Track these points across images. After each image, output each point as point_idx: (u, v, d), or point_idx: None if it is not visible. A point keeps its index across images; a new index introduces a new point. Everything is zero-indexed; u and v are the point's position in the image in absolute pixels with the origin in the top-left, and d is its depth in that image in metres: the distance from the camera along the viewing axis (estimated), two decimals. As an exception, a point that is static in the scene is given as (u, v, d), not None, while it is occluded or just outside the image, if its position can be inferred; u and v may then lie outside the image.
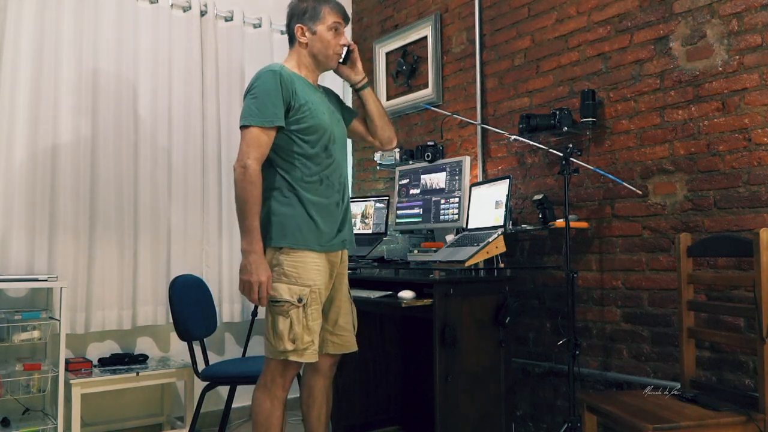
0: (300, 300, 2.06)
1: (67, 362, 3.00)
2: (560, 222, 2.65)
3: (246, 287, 2.01)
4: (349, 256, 2.86)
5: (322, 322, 2.21)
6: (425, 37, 3.71)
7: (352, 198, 2.45)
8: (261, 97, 2.06)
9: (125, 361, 3.23)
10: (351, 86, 2.37)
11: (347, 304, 2.31)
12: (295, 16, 2.21)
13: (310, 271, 2.10)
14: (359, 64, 2.33)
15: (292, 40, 2.24)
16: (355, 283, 2.91)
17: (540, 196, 2.74)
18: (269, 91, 2.06)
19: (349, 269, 3.13)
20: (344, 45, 2.23)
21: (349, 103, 3.71)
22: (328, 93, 2.35)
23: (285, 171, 2.12)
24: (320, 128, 2.14)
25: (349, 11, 4.38)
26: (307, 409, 2.36)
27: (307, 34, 2.19)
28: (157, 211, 3.42)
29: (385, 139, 2.41)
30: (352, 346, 2.32)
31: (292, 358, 2.06)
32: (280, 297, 2.06)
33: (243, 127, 2.08)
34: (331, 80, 4.11)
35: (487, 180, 3.06)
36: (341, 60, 2.27)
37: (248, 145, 2.04)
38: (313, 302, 2.10)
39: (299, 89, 2.12)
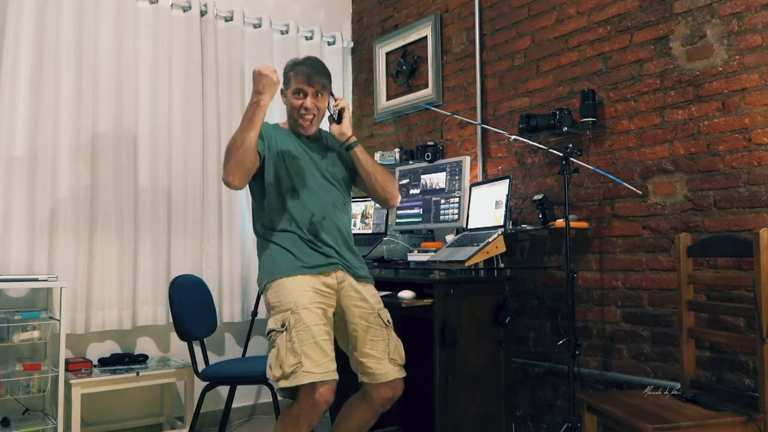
0: (283, 325, 2.05)
1: (67, 362, 3.00)
2: (560, 222, 2.65)
3: (257, 79, 2.10)
4: None
5: (350, 347, 2.25)
6: (425, 37, 3.71)
7: (352, 198, 2.47)
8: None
9: (125, 361, 3.23)
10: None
11: (371, 330, 2.22)
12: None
13: (290, 294, 2.10)
14: (346, 124, 2.30)
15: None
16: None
17: (540, 196, 2.74)
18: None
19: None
20: (305, 108, 2.25)
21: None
22: (322, 143, 2.39)
23: (257, 219, 2.29)
24: (277, 177, 2.24)
25: (349, 11, 4.38)
26: (336, 425, 2.35)
27: (282, 97, 2.33)
28: (157, 211, 3.42)
29: (380, 201, 2.40)
30: (385, 376, 2.19)
31: (283, 384, 2.01)
32: (268, 329, 2.10)
33: None
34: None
35: (487, 180, 3.06)
36: (336, 119, 2.30)
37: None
38: (298, 323, 2.04)
39: (277, 140, 2.28)
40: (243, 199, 3.73)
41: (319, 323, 2.08)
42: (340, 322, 2.26)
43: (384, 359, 2.20)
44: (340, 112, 2.29)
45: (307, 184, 2.26)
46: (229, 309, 3.60)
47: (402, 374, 2.24)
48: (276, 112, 3.35)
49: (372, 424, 2.29)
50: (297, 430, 2.07)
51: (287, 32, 3.98)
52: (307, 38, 4.08)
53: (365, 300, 2.25)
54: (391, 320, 2.30)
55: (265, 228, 2.25)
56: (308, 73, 2.24)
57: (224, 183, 2.15)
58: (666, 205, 2.53)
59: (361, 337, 2.22)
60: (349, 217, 2.39)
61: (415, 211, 3.30)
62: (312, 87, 2.24)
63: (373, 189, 2.34)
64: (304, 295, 2.10)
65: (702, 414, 1.93)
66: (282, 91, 2.30)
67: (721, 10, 2.38)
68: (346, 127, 2.29)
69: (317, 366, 2.01)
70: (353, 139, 2.30)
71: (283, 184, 2.24)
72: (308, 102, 2.24)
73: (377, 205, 3.43)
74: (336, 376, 2.05)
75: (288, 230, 2.21)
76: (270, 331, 2.08)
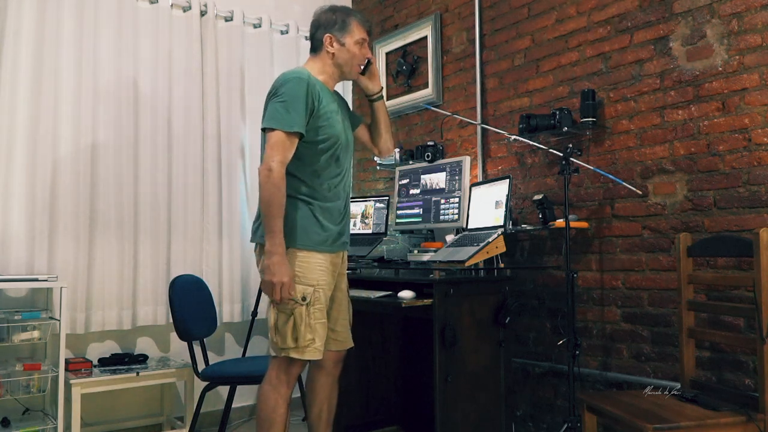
0: (304, 298, 2.12)
1: (67, 362, 3.00)
2: (560, 222, 2.65)
3: (268, 288, 2.06)
4: (349, 256, 2.92)
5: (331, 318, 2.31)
6: (425, 37, 3.71)
7: (352, 198, 2.52)
8: (288, 102, 2.09)
9: (125, 361, 3.23)
10: (366, 96, 2.45)
11: (346, 301, 2.39)
12: (323, 26, 2.29)
13: (315, 271, 2.16)
14: (377, 76, 2.41)
15: (316, 47, 2.32)
16: (355, 283, 2.91)
17: (540, 196, 2.74)
18: (297, 97, 2.10)
19: (348, 269, 3.15)
20: (368, 58, 2.32)
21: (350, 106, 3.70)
22: (341, 99, 2.41)
23: (296, 177, 2.17)
24: (335, 138, 2.21)
25: (349, 11, 4.38)
26: (309, 406, 2.41)
27: (335, 44, 2.27)
28: (157, 211, 3.42)
29: (386, 149, 2.51)
30: (349, 343, 2.39)
31: (294, 355, 2.12)
32: None
33: (268, 130, 2.10)
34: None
35: (487, 180, 3.06)
36: (361, 71, 2.34)
37: (273, 148, 2.07)
38: (317, 301, 2.15)
39: (324, 98, 2.19)
40: (243, 198, 3.73)
41: (326, 305, 2.21)
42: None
43: (348, 327, 2.39)
44: (368, 65, 2.34)
45: (348, 151, 2.31)
46: (229, 309, 3.60)
47: (352, 342, 2.43)
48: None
49: (336, 389, 2.40)
50: (283, 392, 2.16)
51: (287, 32, 3.98)
52: (307, 38, 4.04)
53: (345, 273, 2.40)
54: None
55: (306, 186, 2.18)
56: (369, 23, 2.32)
57: (260, 170, 2.07)
58: (666, 205, 2.53)
59: (343, 307, 2.37)
60: None
61: (415, 211, 3.30)
62: (368, 36, 2.32)
63: (385, 140, 2.47)
64: (324, 274, 2.19)
65: (702, 414, 1.93)
66: (334, 37, 2.26)
67: (721, 10, 2.38)
68: (378, 79, 2.39)
69: (322, 344, 2.17)
70: (383, 90, 2.45)
71: (337, 150, 2.22)
72: (369, 52, 2.33)
73: (377, 204, 3.44)
74: None
75: (329, 200, 2.21)
76: (288, 299, 2.10)
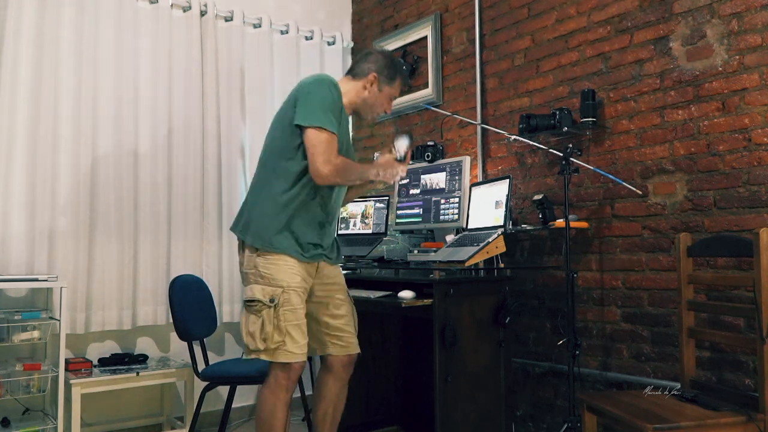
0: (272, 300, 2.12)
1: (67, 362, 3.00)
2: (560, 222, 2.65)
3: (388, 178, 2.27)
4: (350, 256, 2.93)
5: (317, 325, 2.32)
6: (425, 37, 3.71)
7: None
8: (329, 105, 2.15)
9: (125, 361, 3.23)
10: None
11: (345, 307, 2.38)
12: (376, 64, 2.34)
13: (284, 273, 2.16)
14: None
15: (357, 73, 2.35)
16: (355, 283, 2.92)
17: (540, 196, 2.74)
18: (334, 103, 2.17)
19: (349, 269, 3.15)
20: (386, 112, 2.45)
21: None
22: (347, 125, 2.44)
23: (284, 178, 2.18)
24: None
25: (349, 11, 4.39)
26: (314, 408, 2.42)
27: (375, 86, 2.33)
28: (157, 211, 3.42)
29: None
30: (354, 348, 2.39)
31: (264, 357, 2.13)
32: (253, 296, 2.15)
33: (316, 128, 2.10)
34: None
35: (487, 180, 3.06)
36: (401, 159, 2.34)
37: (328, 147, 2.11)
38: (286, 303, 2.14)
39: (342, 114, 2.26)
40: (243, 198, 3.72)
41: (302, 307, 2.19)
42: (314, 306, 2.35)
43: (353, 333, 2.39)
44: (406, 155, 2.38)
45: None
46: (229, 309, 3.60)
47: (359, 348, 2.44)
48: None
49: (344, 393, 2.41)
50: (282, 396, 2.17)
51: (287, 32, 3.98)
52: (307, 38, 4.08)
53: (337, 282, 2.39)
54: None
55: (292, 194, 2.19)
56: (406, 85, 2.46)
57: (320, 172, 2.10)
58: (666, 205, 2.53)
59: (341, 313, 2.37)
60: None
61: (415, 211, 3.30)
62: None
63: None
64: (294, 277, 2.17)
65: (702, 414, 1.93)
66: (378, 80, 2.32)
67: (721, 10, 2.38)
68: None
69: (298, 347, 2.15)
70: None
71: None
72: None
73: (377, 204, 3.44)
74: (306, 357, 2.21)
75: (309, 210, 2.22)
76: (254, 301, 2.13)
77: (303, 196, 2.18)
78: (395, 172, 2.26)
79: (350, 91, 2.31)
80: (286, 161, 2.18)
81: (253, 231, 2.19)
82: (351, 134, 2.51)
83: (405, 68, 2.39)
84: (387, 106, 2.39)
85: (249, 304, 2.16)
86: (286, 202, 2.17)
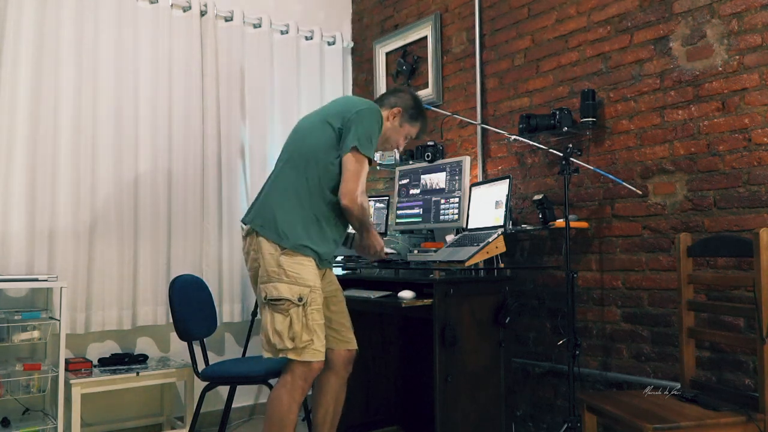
0: (300, 299, 2.16)
1: (67, 362, 3.00)
2: (560, 222, 2.64)
3: (374, 254, 2.40)
4: (350, 257, 2.96)
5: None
6: (425, 37, 3.71)
7: None
8: (375, 135, 2.27)
9: (125, 361, 3.23)
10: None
11: (342, 304, 2.48)
12: (404, 101, 2.46)
13: (310, 273, 2.21)
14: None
15: (383, 103, 2.48)
16: (355, 283, 2.92)
17: (540, 196, 2.74)
18: (376, 133, 2.29)
19: (348, 269, 3.16)
20: (398, 149, 2.56)
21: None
22: None
23: (326, 199, 2.27)
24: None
25: (349, 11, 4.38)
26: (315, 407, 2.44)
27: (396, 120, 2.45)
28: (157, 211, 3.42)
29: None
30: (353, 344, 2.46)
31: (291, 356, 2.15)
32: (280, 295, 2.15)
33: (365, 157, 2.21)
34: (331, 86, 4.07)
35: (487, 180, 3.06)
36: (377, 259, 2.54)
37: (360, 176, 2.19)
38: (313, 302, 2.19)
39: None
40: (243, 199, 3.73)
41: (321, 308, 2.25)
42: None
43: (350, 328, 2.47)
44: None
45: None
46: (229, 309, 3.60)
47: (356, 344, 2.52)
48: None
49: (344, 391, 2.45)
50: (297, 397, 2.19)
51: (287, 32, 3.98)
52: (307, 38, 4.08)
53: (333, 278, 2.50)
54: None
55: (331, 206, 2.27)
56: (423, 134, 2.57)
57: (354, 198, 2.19)
58: (666, 205, 2.53)
59: (338, 309, 2.46)
60: None
61: (415, 211, 3.30)
62: (415, 138, 2.58)
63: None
64: (317, 279, 2.26)
65: (702, 414, 1.93)
66: (401, 116, 2.45)
67: (721, 10, 2.38)
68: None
69: (323, 345, 2.21)
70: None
71: None
72: (348, 37, 2.60)
73: (377, 204, 3.44)
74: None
75: (333, 229, 2.32)
76: (282, 300, 2.15)
77: (333, 217, 2.28)
78: (374, 251, 2.40)
79: (386, 117, 2.41)
80: (327, 180, 2.24)
81: (280, 231, 2.21)
82: None
83: (426, 119, 2.55)
84: (401, 142, 2.48)
85: (275, 303, 2.16)
86: (319, 218, 2.25)
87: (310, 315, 2.16)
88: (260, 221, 2.25)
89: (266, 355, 2.19)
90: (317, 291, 2.21)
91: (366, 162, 2.21)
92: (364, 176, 2.21)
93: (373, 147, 2.24)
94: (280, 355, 2.15)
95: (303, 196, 2.24)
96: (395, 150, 2.59)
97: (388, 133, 2.44)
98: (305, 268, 2.19)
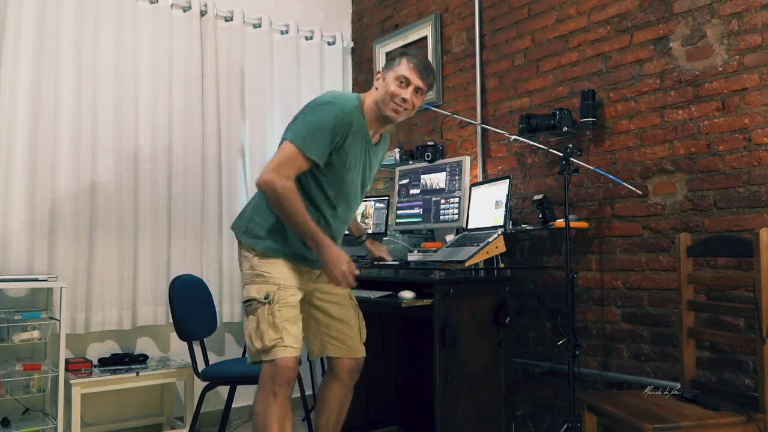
0: (266, 297, 2.08)
1: (67, 362, 3.00)
2: (560, 222, 2.64)
3: (336, 280, 2.08)
4: (350, 257, 2.83)
5: (317, 325, 2.30)
6: (425, 37, 3.71)
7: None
8: (316, 126, 2.04)
9: (125, 361, 3.23)
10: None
11: (347, 309, 2.34)
12: (384, 66, 2.24)
13: (280, 272, 2.13)
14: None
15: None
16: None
17: (540, 196, 2.74)
18: (326, 127, 2.04)
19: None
20: (403, 99, 2.13)
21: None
22: (374, 148, 2.29)
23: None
24: (336, 181, 2.15)
25: (349, 11, 4.38)
26: (318, 413, 2.39)
27: (379, 81, 2.19)
28: (157, 211, 3.42)
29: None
30: (357, 351, 2.33)
31: (262, 357, 2.07)
32: (249, 296, 2.12)
33: (290, 141, 2.05)
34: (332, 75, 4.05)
35: (487, 180, 3.06)
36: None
37: (288, 162, 2.03)
38: (281, 299, 2.09)
39: (351, 138, 2.11)
40: (243, 199, 3.72)
41: (297, 304, 2.15)
42: (313, 309, 2.31)
43: (356, 336, 2.34)
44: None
45: (349, 198, 2.24)
46: (229, 309, 3.60)
47: (364, 352, 2.39)
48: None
49: (348, 399, 2.37)
50: (269, 400, 2.07)
51: (287, 32, 3.98)
52: (307, 38, 4.08)
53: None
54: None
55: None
56: (420, 67, 2.14)
57: (262, 176, 2.03)
58: (666, 205, 2.53)
59: (340, 313, 2.33)
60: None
61: (415, 211, 3.30)
62: (419, 81, 2.14)
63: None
64: (291, 277, 2.15)
65: (702, 414, 1.93)
66: (379, 73, 2.19)
67: (721, 10, 2.38)
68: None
69: (296, 340, 2.09)
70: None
71: (331, 188, 2.17)
72: (408, 94, 2.13)
73: (377, 204, 3.44)
74: (300, 351, 2.13)
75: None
76: (251, 300, 2.09)
77: (310, 193, 2.15)
78: (340, 271, 2.05)
79: (369, 102, 2.17)
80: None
81: (252, 234, 2.17)
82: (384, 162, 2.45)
83: (409, 55, 2.19)
84: (396, 89, 2.11)
85: (246, 305, 2.12)
86: (281, 218, 2.12)
87: (277, 312, 2.06)
88: (238, 225, 2.23)
89: (249, 360, 2.14)
90: (289, 288, 2.11)
91: (296, 153, 2.02)
92: (284, 159, 2.02)
93: (312, 141, 2.03)
94: (254, 360, 2.09)
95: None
96: (402, 106, 2.13)
97: (380, 96, 2.13)
98: (276, 266, 2.12)
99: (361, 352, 2.34)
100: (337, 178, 2.15)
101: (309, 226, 2.04)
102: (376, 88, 2.17)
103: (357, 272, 2.09)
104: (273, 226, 2.14)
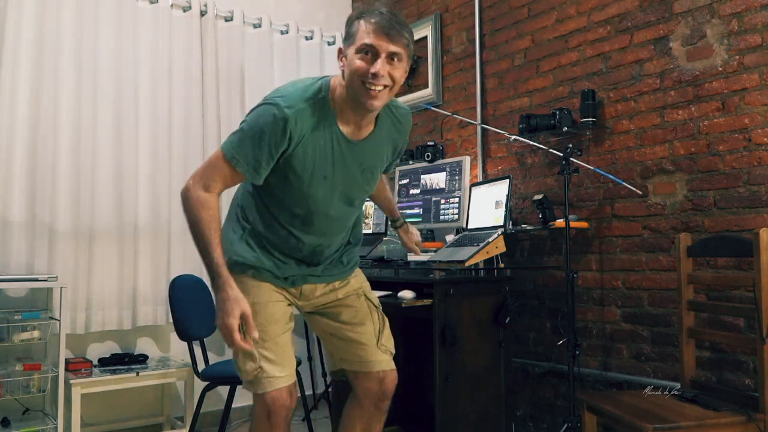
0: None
1: (67, 362, 3.00)
2: (560, 222, 2.65)
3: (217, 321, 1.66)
4: None
5: (330, 337, 1.95)
6: (425, 37, 3.71)
7: None
8: (248, 132, 1.69)
9: (125, 361, 3.23)
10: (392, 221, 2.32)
11: (360, 314, 1.93)
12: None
13: (247, 291, 1.75)
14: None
15: None
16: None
17: (540, 196, 2.74)
18: (257, 134, 1.65)
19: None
20: (373, 75, 1.58)
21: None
22: (375, 141, 1.80)
23: (254, 204, 1.81)
24: (303, 201, 1.74)
25: (349, 11, 4.37)
26: None
27: (341, 60, 1.68)
28: (157, 211, 3.42)
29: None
30: (377, 364, 1.88)
31: (251, 389, 1.79)
32: None
33: (221, 150, 1.70)
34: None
35: (487, 180, 3.06)
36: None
37: (206, 168, 1.69)
38: (253, 326, 1.67)
39: (309, 142, 1.67)
40: (243, 199, 3.72)
41: (277, 321, 1.78)
42: (317, 315, 1.96)
43: (371, 344, 1.89)
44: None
45: (330, 211, 1.79)
46: (229, 309, 3.59)
47: (392, 364, 1.91)
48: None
49: (376, 428, 1.94)
50: (265, 427, 1.76)
51: (287, 32, 3.98)
52: (307, 38, 4.07)
53: (345, 286, 1.95)
54: (378, 303, 2.01)
55: (249, 220, 1.82)
56: (384, 24, 1.58)
57: (186, 183, 1.70)
58: (666, 205, 2.53)
59: (348, 320, 1.92)
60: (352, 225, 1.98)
61: (415, 211, 3.30)
62: (387, 43, 1.58)
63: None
64: (262, 292, 1.79)
65: (702, 414, 1.93)
66: (340, 51, 1.68)
67: (721, 10, 2.38)
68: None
69: (280, 368, 1.75)
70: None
71: (298, 206, 1.76)
72: (378, 66, 1.58)
73: (376, 205, 3.42)
74: (295, 378, 1.80)
75: (275, 244, 1.81)
76: None
77: (271, 208, 1.80)
78: (220, 322, 1.63)
79: (341, 92, 1.68)
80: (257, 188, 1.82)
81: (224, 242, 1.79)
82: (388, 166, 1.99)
83: (363, 10, 1.68)
84: (360, 64, 1.59)
85: None
86: (249, 216, 1.84)
87: (251, 340, 1.68)
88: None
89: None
90: (261, 306, 1.76)
91: (220, 161, 1.67)
92: (209, 167, 1.68)
93: (240, 150, 1.66)
94: (246, 389, 1.81)
95: (242, 202, 1.88)
96: (375, 84, 1.60)
97: (346, 81, 1.63)
98: (243, 285, 1.72)
99: (383, 365, 1.88)
100: (299, 193, 1.72)
101: (211, 254, 1.62)
102: (342, 72, 1.67)
103: (245, 346, 1.63)
104: (236, 238, 1.81)
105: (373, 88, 1.60)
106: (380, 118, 1.79)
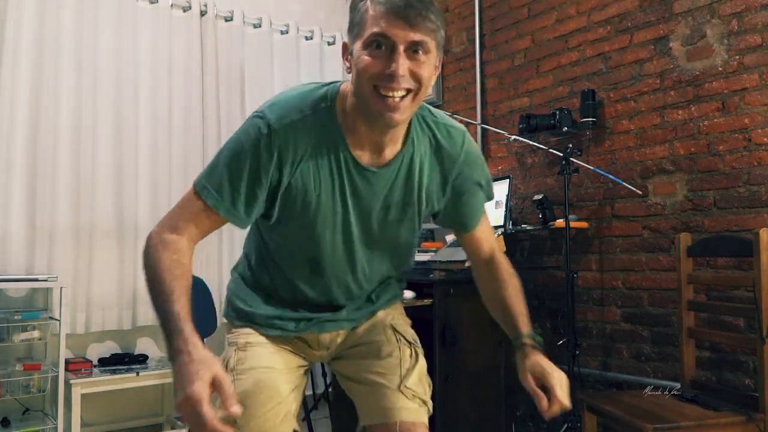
0: (223, 361, 1.36)
1: (67, 362, 2.99)
2: (560, 222, 2.64)
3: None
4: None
5: (356, 384, 1.47)
6: (425, 37, 3.70)
7: None
8: (227, 155, 1.30)
9: (125, 361, 3.22)
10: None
11: (384, 349, 1.50)
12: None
13: (250, 332, 1.40)
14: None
15: None
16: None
17: (540, 196, 2.74)
18: (237, 156, 1.28)
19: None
20: (390, 75, 1.14)
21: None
22: (402, 169, 1.31)
23: (254, 246, 1.45)
24: (300, 242, 1.33)
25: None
26: None
27: (346, 60, 1.27)
28: (157, 211, 3.41)
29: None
30: (396, 414, 1.36)
31: None
32: None
33: (194, 184, 1.27)
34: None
35: (487, 180, 3.06)
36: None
37: (177, 207, 1.26)
38: (239, 362, 1.35)
39: (297, 176, 1.25)
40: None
41: (269, 367, 1.35)
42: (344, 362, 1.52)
43: (394, 389, 1.41)
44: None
45: (330, 259, 1.35)
46: (229, 309, 3.59)
47: (420, 416, 1.41)
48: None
49: None
50: None
51: (287, 32, 3.98)
52: (307, 38, 4.07)
53: (374, 324, 1.55)
54: (415, 338, 1.60)
55: (249, 272, 1.46)
56: (399, 5, 1.14)
57: (151, 231, 1.24)
58: (666, 205, 2.53)
59: (368, 363, 1.47)
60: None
61: (415, 211, 3.29)
62: (409, 30, 1.14)
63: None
64: (260, 335, 1.41)
65: (702, 414, 1.93)
66: (345, 46, 1.28)
67: (721, 10, 2.38)
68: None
69: (261, 425, 1.28)
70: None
71: (292, 255, 1.36)
72: (398, 63, 1.14)
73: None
74: None
75: (278, 297, 1.42)
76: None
77: (268, 260, 1.41)
78: (181, 394, 1.07)
79: (351, 101, 1.25)
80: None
81: (226, 304, 1.52)
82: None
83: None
84: (368, 67, 1.16)
85: None
86: (249, 270, 1.48)
87: (236, 383, 1.30)
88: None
89: None
90: (251, 347, 1.37)
91: (192, 197, 1.24)
92: (180, 212, 1.25)
93: (212, 175, 1.26)
94: None
95: (247, 249, 1.51)
96: (395, 89, 1.15)
97: (354, 79, 1.19)
98: (238, 338, 1.40)
99: (402, 414, 1.37)
100: (302, 237, 1.31)
101: (170, 306, 1.19)
102: (349, 72, 1.23)
103: (221, 429, 1.01)
104: (247, 296, 1.43)
105: (390, 94, 1.15)
106: (411, 135, 1.30)
